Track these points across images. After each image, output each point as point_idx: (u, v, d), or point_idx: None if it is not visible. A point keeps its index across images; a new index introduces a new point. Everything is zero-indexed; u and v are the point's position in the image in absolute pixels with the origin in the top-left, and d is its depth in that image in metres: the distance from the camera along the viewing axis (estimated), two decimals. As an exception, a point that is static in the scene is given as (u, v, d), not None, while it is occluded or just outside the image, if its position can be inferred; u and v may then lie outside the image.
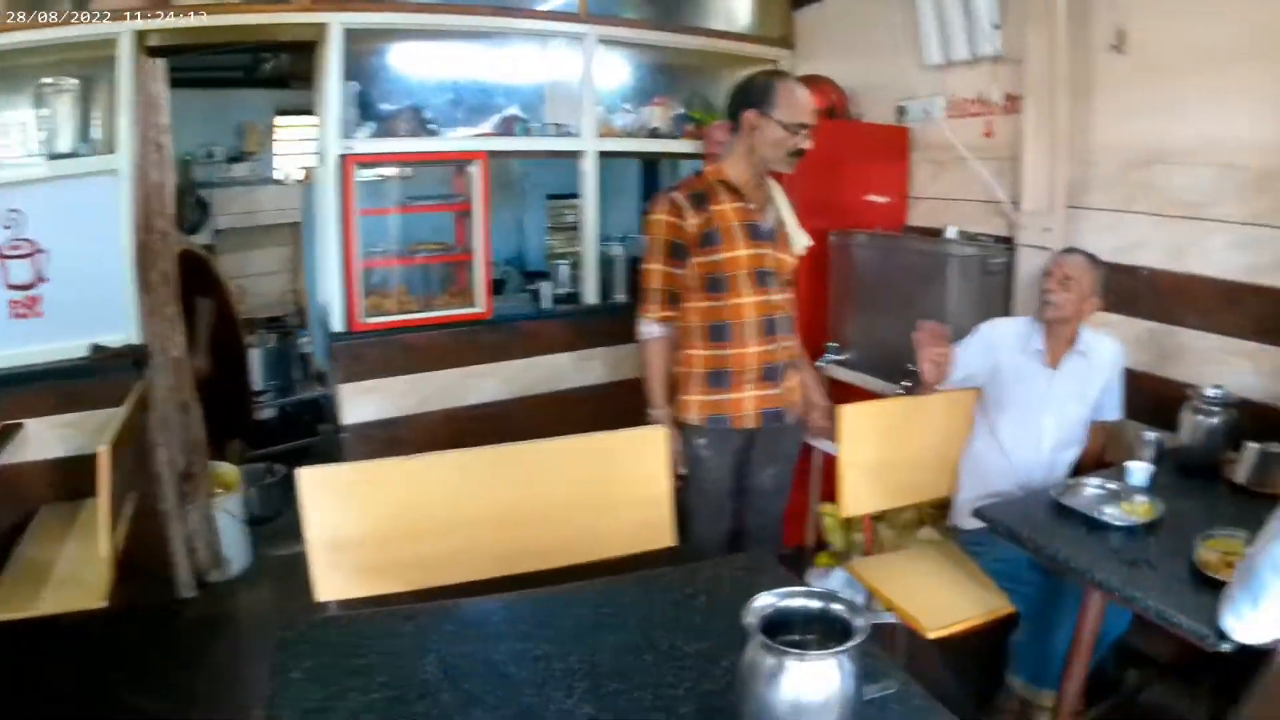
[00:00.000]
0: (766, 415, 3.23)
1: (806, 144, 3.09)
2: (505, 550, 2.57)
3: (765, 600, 1.53)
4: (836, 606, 1.54)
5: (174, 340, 4.32)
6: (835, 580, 4.01)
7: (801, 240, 3.31)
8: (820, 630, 1.53)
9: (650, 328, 3.22)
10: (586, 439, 2.77)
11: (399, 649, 1.88)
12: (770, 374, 3.20)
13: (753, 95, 3.09)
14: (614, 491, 2.72)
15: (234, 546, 4.63)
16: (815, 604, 1.55)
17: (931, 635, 2.98)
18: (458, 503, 2.57)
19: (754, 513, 3.42)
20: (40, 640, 3.32)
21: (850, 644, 1.43)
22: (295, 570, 4.14)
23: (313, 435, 6.20)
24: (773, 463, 3.37)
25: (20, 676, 3.42)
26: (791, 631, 1.52)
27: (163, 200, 4.24)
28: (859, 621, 1.47)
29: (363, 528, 2.47)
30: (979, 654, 3.31)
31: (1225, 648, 2.05)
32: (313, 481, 2.41)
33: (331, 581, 2.42)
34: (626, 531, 2.68)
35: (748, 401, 3.19)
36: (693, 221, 3.07)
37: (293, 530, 4.35)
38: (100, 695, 3.56)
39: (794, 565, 4.32)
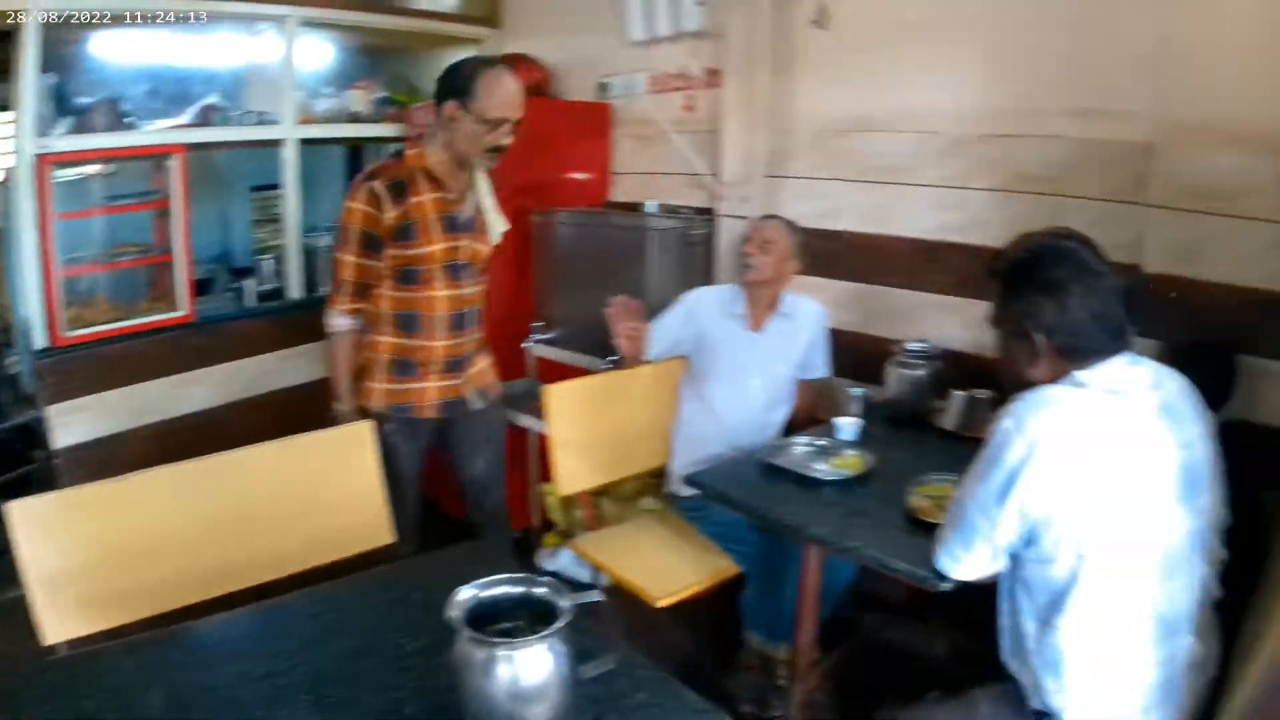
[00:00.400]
0: (449, 405, 3.25)
1: (506, 140, 3.02)
2: (229, 565, 2.51)
3: (467, 593, 1.56)
4: (539, 590, 1.57)
5: None
6: (563, 559, 4.09)
7: (499, 227, 3.29)
8: (530, 616, 1.55)
9: (339, 320, 3.16)
10: (292, 442, 2.71)
11: (123, 685, 1.82)
12: (454, 365, 3.23)
13: (455, 85, 2.97)
14: (328, 493, 2.70)
15: None
16: (518, 590, 1.59)
17: (661, 603, 3.05)
18: (175, 521, 2.49)
19: (476, 507, 3.45)
20: None
21: (555, 627, 1.46)
22: (16, 614, 3.95)
23: (28, 463, 5.80)
24: (478, 451, 3.39)
25: None
26: (501, 620, 1.56)
27: None
28: (563, 603, 1.51)
29: (82, 559, 2.36)
30: (715, 617, 3.42)
31: (946, 587, 2.16)
32: (23, 515, 2.29)
33: (57, 621, 2.31)
34: (346, 532, 2.67)
35: (430, 391, 3.21)
36: (391, 214, 2.99)
37: (11, 572, 4.14)
38: None
39: (523, 547, 4.41)
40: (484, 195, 3.24)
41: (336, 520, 2.68)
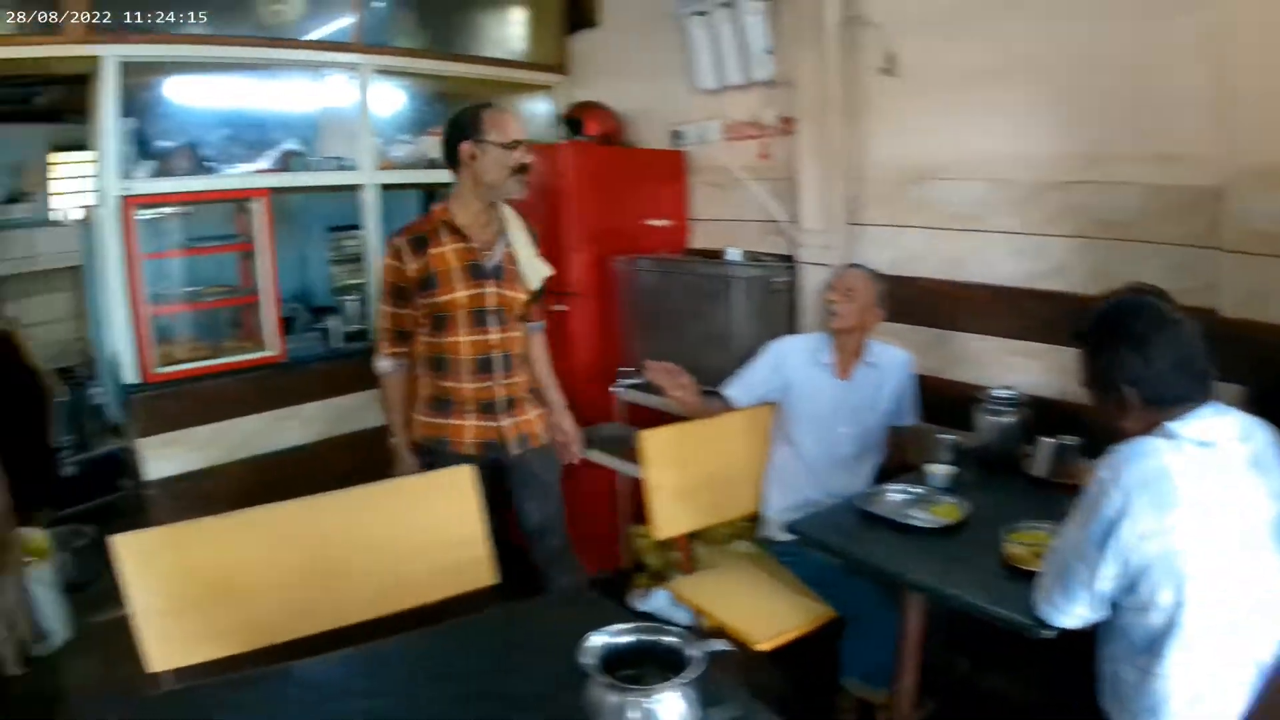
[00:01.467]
0: (487, 445, 3.33)
1: (528, 158, 3.22)
2: (331, 602, 2.58)
3: (600, 639, 1.58)
4: (669, 639, 1.60)
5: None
6: (658, 601, 4.09)
7: (540, 273, 3.42)
8: (655, 662, 1.58)
9: (382, 363, 3.37)
10: (397, 484, 2.85)
11: None
12: (488, 408, 3.32)
13: (463, 129, 3.20)
14: (429, 535, 2.76)
15: (54, 617, 4.41)
16: (648, 637, 1.61)
17: (762, 647, 3.06)
18: (277, 558, 2.57)
19: (537, 551, 3.49)
20: None
21: (691, 674, 1.49)
22: (120, 636, 4.05)
23: (115, 491, 5.93)
24: (531, 498, 3.45)
25: None
26: (626, 665, 1.58)
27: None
28: (694, 651, 1.53)
29: (185, 592, 2.43)
30: (810, 661, 3.39)
31: (1047, 635, 2.16)
32: (129, 549, 2.37)
33: (162, 650, 2.37)
34: (448, 572, 2.71)
35: (467, 429, 3.31)
36: (412, 266, 3.18)
37: (111, 594, 4.27)
38: None
39: (613, 589, 4.40)
40: (518, 244, 3.37)
41: (438, 561, 2.73)
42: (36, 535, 4.59)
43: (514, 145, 3.17)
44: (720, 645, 1.88)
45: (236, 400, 4.47)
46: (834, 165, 4.06)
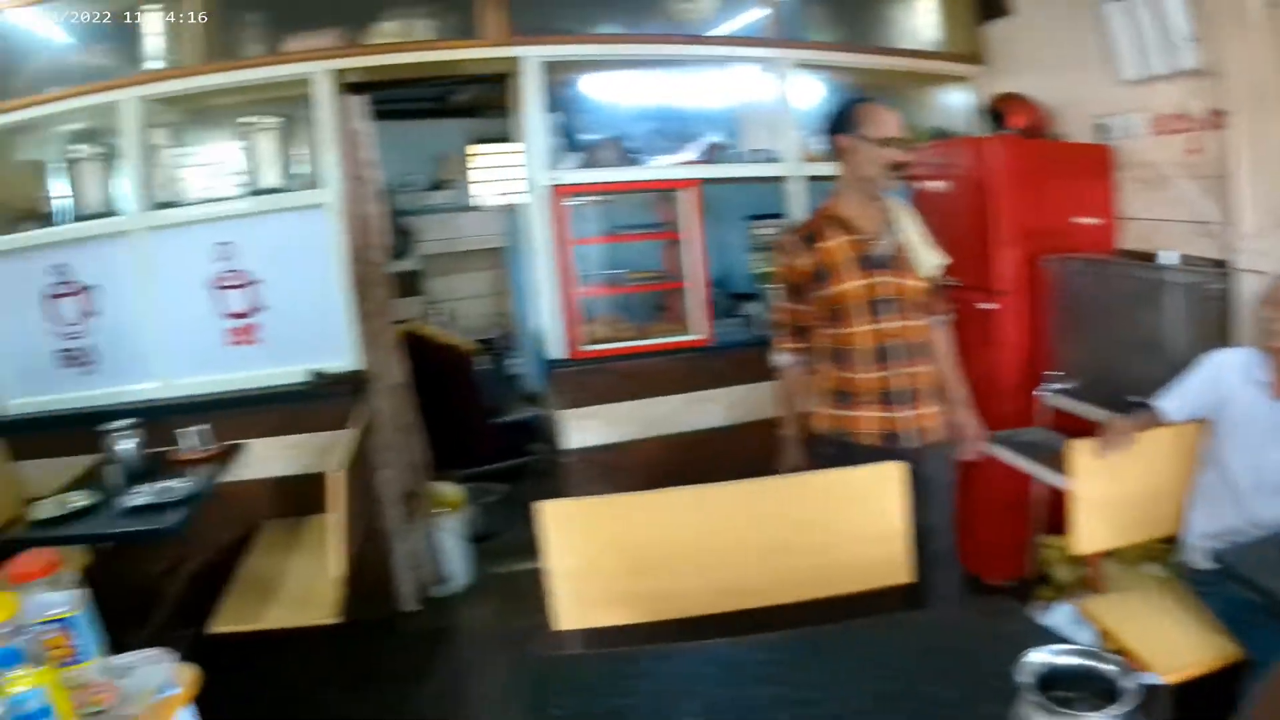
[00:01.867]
0: (888, 436, 3.29)
1: (902, 156, 3.24)
2: (735, 585, 2.61)
3: (1040, 657, 1.52)
4: (1108, 665, 1.50)
5: (394, 367, 4.56)
6: (1059, 616, 3.94)
7: (931, 260, 3.37)
8: (1085, 686, 1.49)
9: (780, 357, 3.45)
10: (823, 476, 2.84)
11: (660, 690, 1.89)
12: (891, 398, 3.28)
13: (840, 122, 3.26)
14: (848, 526, 2.72)
15: (457, 563, 4.84)
16: (1087, 662, 1.53)
17: (1167, 679, 2.89)
18: (691, 537, 2.63)
19: (923, 553, 3.41)
20: (263, 652, 3.48)
21: (1125, 706, 1.40)
22: (515, 587, 4.31)
23: (525, 455, 6.39)
24: (921, 495, 3.17)
25: (244, 688, 3.49)
26: (1056, 686, 1.49)
27: (374, 232, 4.50)
28: (1128, 682, 1.44)
29: (597, 559, 2.54)
30: (1209, 700, 3.10)
31: None
32: (553, 514, 2.48)
33: (570, 611, 2.49)
34: (860, 566, 2.67)
35: (868, 421, 3.28)
36: (804, 262, 3.24)
37: (511, 548, 4.54)
38: (321, 707, 3.76)
39: (1014, 598, 4.17)
40: (907, 231, 3.35)
41: (853, 554, 2.70)
42: (451, 489, 5.01)
43: (887, 142, 3.19)
44: (1153, 679, 1.77)
45: (658, 379, 4.67)
46: (1273, 162, 3.73)
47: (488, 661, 4.17)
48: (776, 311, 3.45)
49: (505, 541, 5.18)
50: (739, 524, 2.67)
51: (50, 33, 4.59)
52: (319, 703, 3.76)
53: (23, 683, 1.52)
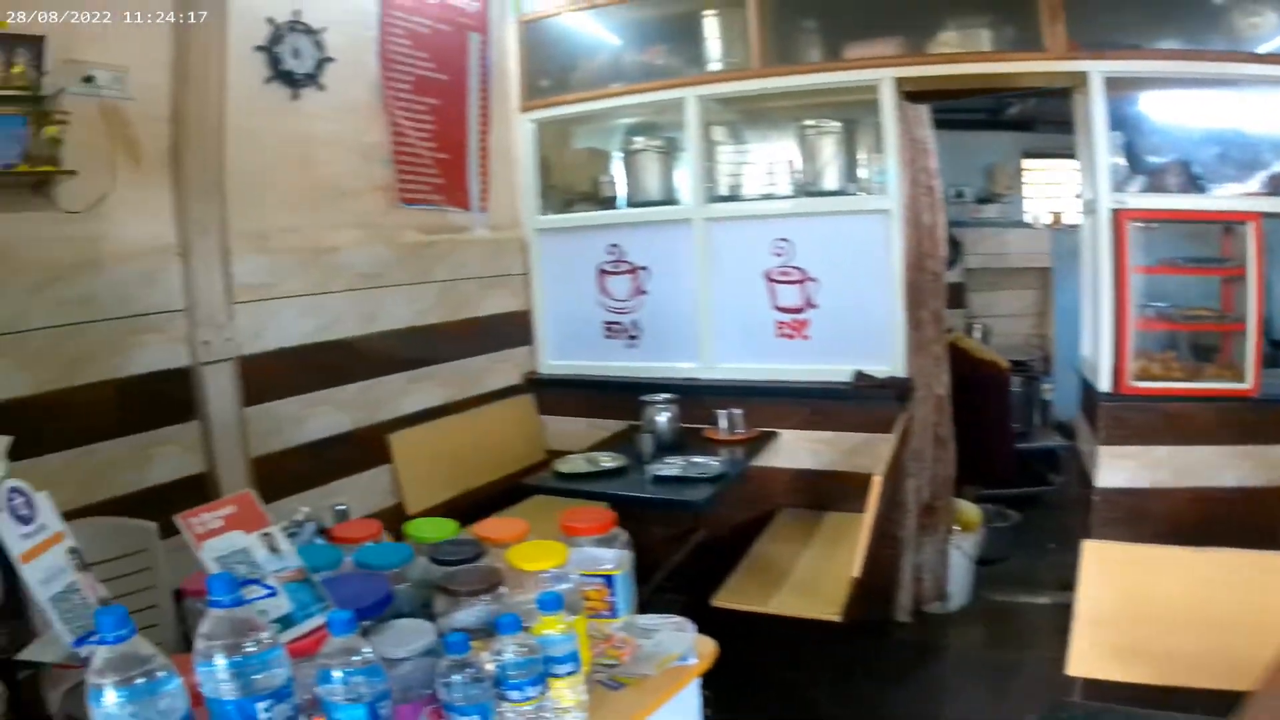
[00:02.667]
0: None
1: None
2: (1255, 662, 2.32)
3: None
4: None
5: (938, 377, 4.52)
6: None
7: None
8: None
9: None
10: None
11: None
12: None
13: None
14: None
15: (958, 584, 4.72)
16: None
17: None
18: (1228, 602, 2.41)
19: None
20: (755, 631, 3.49)
21: None
22: (1011, 618, 4.14)
23: (1043, 485, 6.16)
24: None
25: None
26: None
27: (934, 242, 4.47)
28: None
29: (1127, 609, 2.42)
30: None
31: None
32: (1096, 555, 2.41)
33: (1084, 656, 2.40)
34: None
35: None
36: None
37: (1015, 578, 4.36)
38: (794, 690, 3.84)
39: None
40: None
41: None
42: (970, 508, 4.89)
43: None
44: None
45: (1198, 427, 4.27)
46: None
47: (969, 686, 4.05)
48: None
49: (1009, 569, 5.00)
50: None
51: (608, 34, 5.01)
52: (793, 685, 3.87)
53: (556, 627, 1.62)
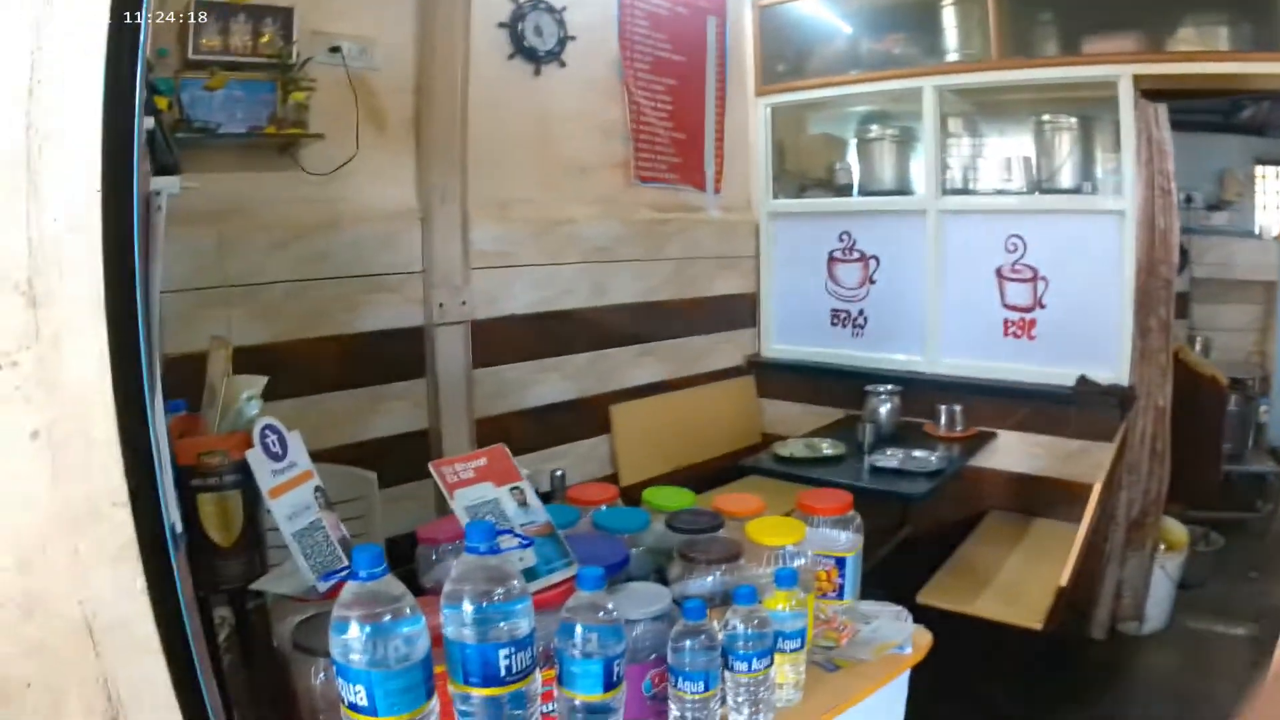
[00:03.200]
0: None
1: None
2: None
3: None
4: None
5: (1162, 389, 4.42)
6: None
7: None
8: None
9: None
10: None
11: None
12: None
13: None
14: None
15: (1156, 605, 4.59)
16: None
17: None
18: None
19: None
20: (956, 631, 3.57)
21: None
22: (1208, 647, 4.05)
23: (1250, 510, 5.96)
24: None
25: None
26: None
27: (1167, 247, 4.34)
28: None
29: None
30: None
31: None
32: None
33: None
34: None
35: None
36: None
37: (1215, 606, 4.27)
38: (986, 700, 3.83)
39: None
40: None
41: None
42: (1177, 528, 4.77)
43: None
44: None
45: None
46: None
47: (1157, 713, 3.96)
48: None
49: (1210, 596, 4.82)
50: None
51: (844, 21, 5.03)
52: (980, 690, 3.85)
53: (789, 603, 1.69)
